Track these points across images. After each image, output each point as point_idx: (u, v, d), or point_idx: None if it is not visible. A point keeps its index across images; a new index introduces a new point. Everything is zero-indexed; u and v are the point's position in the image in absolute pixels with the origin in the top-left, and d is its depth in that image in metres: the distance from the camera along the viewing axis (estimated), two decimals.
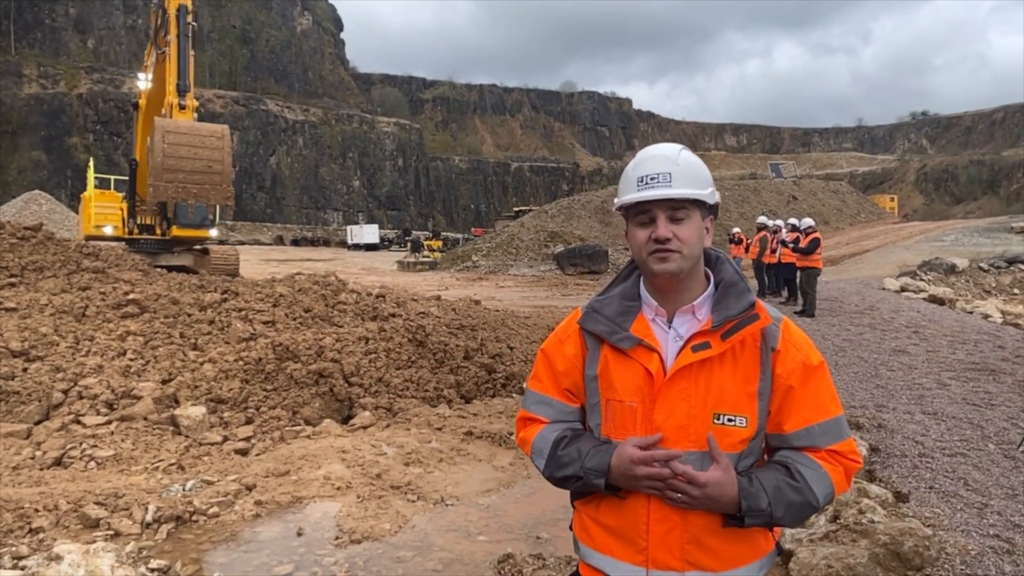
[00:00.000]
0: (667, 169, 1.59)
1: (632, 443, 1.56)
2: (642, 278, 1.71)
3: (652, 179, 1.58)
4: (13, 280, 8.91)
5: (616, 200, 1.68)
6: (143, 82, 17.64)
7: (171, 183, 13.67)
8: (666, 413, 1.57)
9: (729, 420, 1.56)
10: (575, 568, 1.79)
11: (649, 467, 1.52)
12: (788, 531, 3.98)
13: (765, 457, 1.69)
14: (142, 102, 17.92)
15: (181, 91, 14.57)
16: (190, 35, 15.12)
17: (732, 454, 1.57)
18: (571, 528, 1.79)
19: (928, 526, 3.77)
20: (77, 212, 22.74)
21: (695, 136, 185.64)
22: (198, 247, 19.10)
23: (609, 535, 1.64)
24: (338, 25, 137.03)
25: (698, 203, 1.61)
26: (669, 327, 1.63)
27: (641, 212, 1.61)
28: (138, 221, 18.96)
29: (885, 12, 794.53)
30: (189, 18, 15.03)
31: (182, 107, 14.58)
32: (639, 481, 1.53)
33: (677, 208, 1.58)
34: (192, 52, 15.22)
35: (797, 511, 1.54)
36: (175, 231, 18.10)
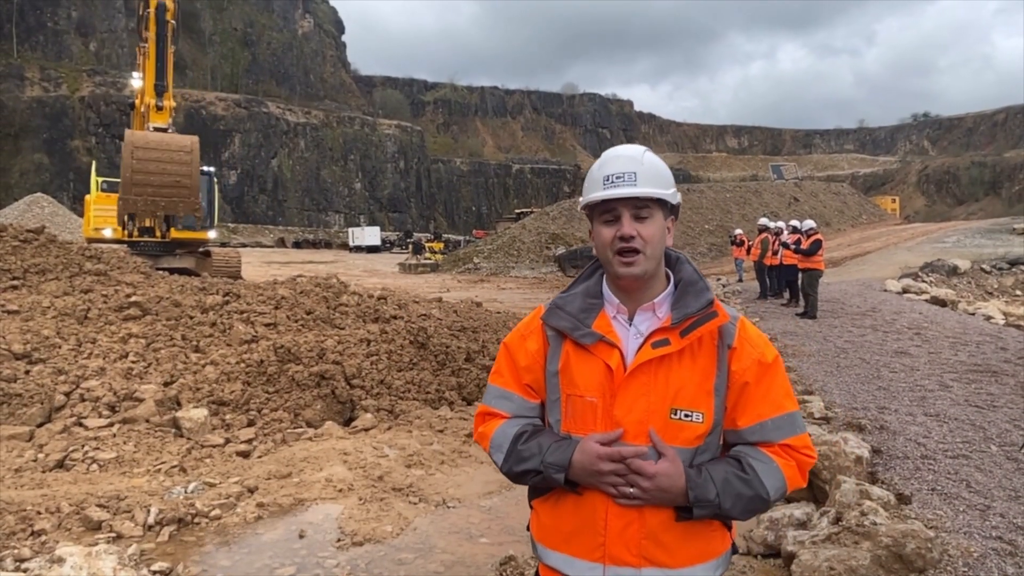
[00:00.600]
0: (632, 169, 1.62)
1: (594, 439, 1.57)
2: (605, 276, 1.74)
3: (618, 178, 1.62)
4: (15, 283, 8.92)
5: (581, 199, 1.71)
6: (137, 80, 17.54)
7: (140, 196, 13.66)
8: (626, 408, 1.59)
9: (686, 415, 1.59)
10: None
11: (615, 463, 1.53)
12: (791, 533, 3.98)
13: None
14: (138, 101, 17.88)
15: (159, 91, 14.47)
16: (168, 34, 14.94)
17: (688, 449, 1.59)
18: (528, 529, 1.80)
19: (930, 528, 3.76)
20: (81, 215, 22.72)
21: (696, 138, 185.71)
22: (200, 249, 19.11)
23: (566, 533, 1.65)
24: (339, 28, 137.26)
25: (661, 203, 1.65)
26: (630, 324, 1.67)
27: (607, 211, 1.64)
28: (137, 224, 18.99)
29: (890, 13, 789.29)
30: (168, 15, 14.87)
31: (159, 108, 14.49)
32: (603, 476, 1.54)
33: (641, 207, 1.62)
34: (173, 48, 15.02)
35: (747, 503, 1.57)
36: (173, 233, 18.12)
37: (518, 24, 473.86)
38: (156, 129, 15.53)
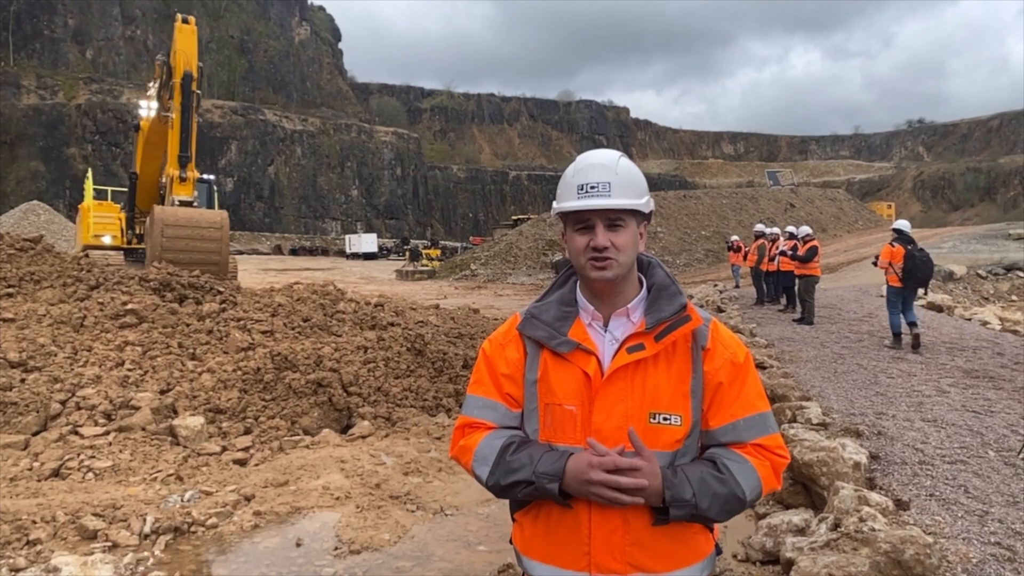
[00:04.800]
0: (606, 178, 1.61)
1: (593, 452, 1.56)
2: (579, 283, 1.74)
3: (592, 188, 1.61)
4: (11, 291, 8.90)
5: (555, 204, 1.70)
6: (145, 110, 17.40)
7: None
8: (604, 415, 1.59)
9: (664, 419, 1.59)
10: None
11: (607, 473, 1.51)
12: (789, 539, 3.96)
13: None
14: (144, 125, 17.83)
15: (183, 162, 14.23)
16: (195, 105, 14.64)
17: (668, 452, 1.60)
18: (511, 542, 1.78)
19: (929, 534, 3.76)
20: (75, 223, 22.59)
21: (692, 144, 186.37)
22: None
23: (551, 544, 1.64)
24: (336, 35, 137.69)
25: (634, 212, 1.64)
26: (605, 331, 1.67)
27: (580, 220, 1.64)
28: (137, 231, 19.03)
29: (909, 14, 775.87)
30: (194, 86, 14.60)
31: (183, 179, 14.29)
32: (592, 486, 1.52)
33: (615, 217, 1.62)
34: (196, 120, 14.74)
35: (723, 503, 1.56)
36: None
37: (531, 27, 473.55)
38: (182, 203, 15.36)
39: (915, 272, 10.23)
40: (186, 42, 14.40)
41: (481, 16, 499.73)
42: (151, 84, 17.29)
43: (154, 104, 16.80)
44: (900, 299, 10.51)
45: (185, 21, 14.51)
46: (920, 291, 10.90)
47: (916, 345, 10.10)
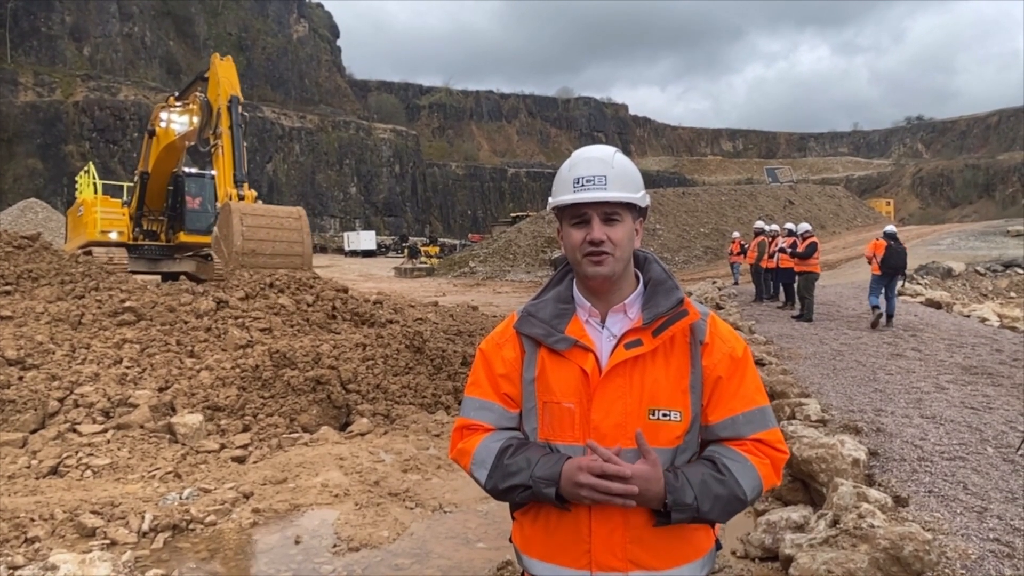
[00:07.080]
0: (602, 172, 1.61)
1: (589, 454, 1.54)
2: (575, 280, 1.73)
3: (588, 181, 1.61)
4: (8, 288, 8.89)
5: (551, 199, 1.69)
6: (165, 123, 17.40)
7: (249, 267, 12.61)
8: (603, 412, 1.58)
9: (664, 415, 1.58)
10: None
11: (595, 477, 1.49)
12: (788, 536, 3.97)
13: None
14: (160, 132, 17.78)
15: (239, 182, 14.29)
16: (243, 125, 14.78)
17: (668, 449, 1.58)
18: (511, 540, 1.77)
19: (928, 530, 3.76)
20: (70, 219, 22.25)
21: (691, 141, 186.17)
22: (199, 253, 19.07)
23: (551, 542, 1.63)
24: (334, 32, 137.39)
25: (630, 206, 1.64)
26: (603, 327, 1.66)
27: (576, 214, 1.63)
28: (144, 228, 19.03)
29: (921, 10, 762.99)
30: (240, 109, 14.73)
31: (241, 197, 14.38)
32: (581, 488, 1.50)
33: (611, 211, 1.61)
34: (244, 144, 14.87)
35: (725, 505, 1.55)
36: (182, 237, 18.10)
37: (537, 23, 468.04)
38: None
39: (889, 259, 12.28)
40: (226, 72, 14.77)
41: (488, 11, 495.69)
42: (174, 100, 17.34)
43: (176, 118, 16.89)
44: (881, 287, 12.47)
45: (222, 58, 15.02)
46: (900, 282, 13.22)
47: (886, 322, 12.40)
